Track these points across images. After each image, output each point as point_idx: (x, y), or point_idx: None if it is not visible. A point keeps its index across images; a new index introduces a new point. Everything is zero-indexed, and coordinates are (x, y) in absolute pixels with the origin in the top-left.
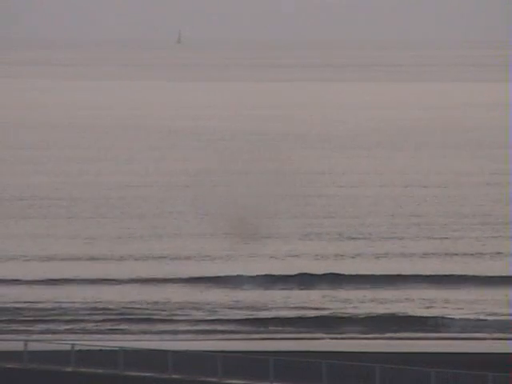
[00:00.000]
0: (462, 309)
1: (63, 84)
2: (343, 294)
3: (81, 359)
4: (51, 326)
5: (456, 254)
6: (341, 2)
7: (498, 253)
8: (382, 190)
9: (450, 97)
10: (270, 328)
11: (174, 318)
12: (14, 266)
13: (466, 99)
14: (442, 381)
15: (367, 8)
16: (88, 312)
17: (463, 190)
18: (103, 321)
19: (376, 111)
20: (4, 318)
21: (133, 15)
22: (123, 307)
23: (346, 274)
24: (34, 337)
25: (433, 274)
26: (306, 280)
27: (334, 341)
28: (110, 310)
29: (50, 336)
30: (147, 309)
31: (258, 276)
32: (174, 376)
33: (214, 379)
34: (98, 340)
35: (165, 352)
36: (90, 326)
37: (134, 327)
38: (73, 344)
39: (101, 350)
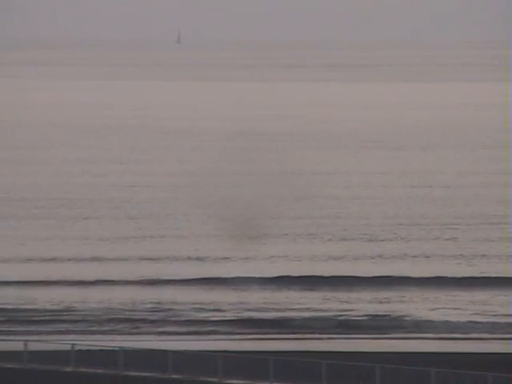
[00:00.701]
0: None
1: (62, 84)
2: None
3: (81, 359)
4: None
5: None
6: (341, 2)
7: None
8: (385, 190)
9: (451, 97)
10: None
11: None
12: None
13: (466, 99)
14: (442, 381)
15: (367, 8)
16: (88, 313)
17: (466, 190)
18: (106, 321)
19: (376, 111)
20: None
21: (132, 15)
22: (124, 308)
23: (348, 275)
24: (34, 337)
25: (437, 275)
26: (307, 281)
27: (334, 341)
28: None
29: (49, 336)
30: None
31: (259, 277)
32: (173, 376)
33: (214, 379)
34: (97, 340)
35: (165, 352)
36: (91, 326)
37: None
38: (73, 344)
39: (101, 350)
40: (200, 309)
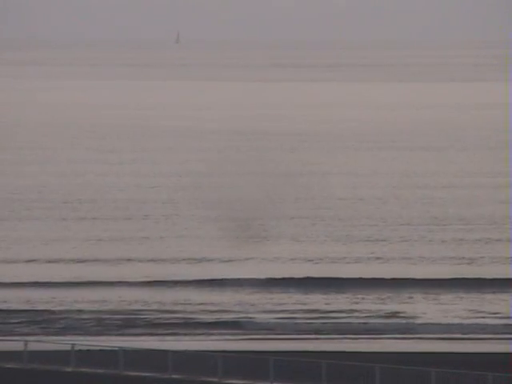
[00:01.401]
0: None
1: (62, 84)
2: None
3: (81, 359)
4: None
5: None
6: (340, 2)
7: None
8: (387, 191)
9: (451, 97)
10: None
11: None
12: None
13: (466, 99)
14: (442, 381)
15: (367, 8)
16: (89, 315)
17: (469, 191)
18: (105, 323)
19: (377, 111)
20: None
21: (132, 15)
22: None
23: (351, 277)
24: (34, 337)
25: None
26: (309, 283)
27: (333, 341)
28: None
29: (50, 336)
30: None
31: (262, 279)
32: (173, 376)
33: (214, 379)
34: (98, 340)
35: (165, 352)
36: (92, 327)
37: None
38: (73, 344)
39: (101, 350)
40: (203, 310)
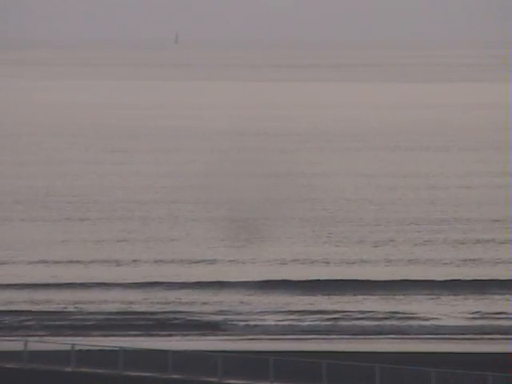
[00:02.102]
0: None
1: (61, 84)
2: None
3: (81, 359)
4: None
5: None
6: (340, 2)
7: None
8: (390, 192)
9: (451, 97)
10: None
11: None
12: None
13: (466, 99)
14: (442, 381)
15: (367, 8)
16: (90, 315)
17: (469, 191)
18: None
19: (377, 112)
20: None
21: (131, 15)
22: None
23: (354, 279)
24: (34, 337)
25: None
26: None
27: (333, 341)
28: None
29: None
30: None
31: (264, 281)
32: (173, 376)
33: (214, 379)
34: (98, 340)
35: (165, 352)
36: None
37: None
38: (73, 344)
39: (101, 350)
40: (205, 312)
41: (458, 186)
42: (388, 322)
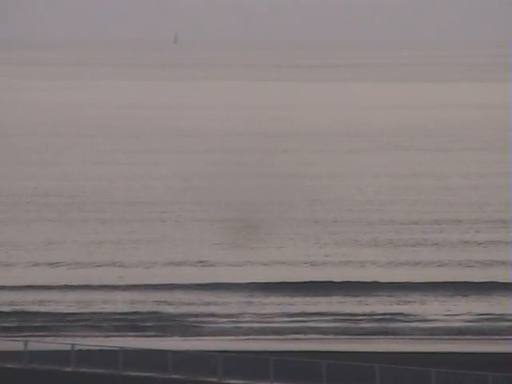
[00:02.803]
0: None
1: (60, 84)
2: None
3: (81, 359)
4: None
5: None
6: (340, 2)
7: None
8: (391, 192)
9: (452, 97)
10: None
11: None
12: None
13: (466, 99)
14: (441, 381)
15: (366, 8)
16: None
17: (471, 191)
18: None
19: (377, 112)
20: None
21: (130, 15)
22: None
23: (361, 281)
24: (34, 337)
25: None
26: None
27: (334, 341)
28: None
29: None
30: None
31: (264, 283)
32: (173, 376)
33: (214, 379)
34: (98, 340)
35: (165, 352)
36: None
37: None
38: (73, 344)
39: (101, 350)
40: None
41: (459, 186)
42: (389, 323)
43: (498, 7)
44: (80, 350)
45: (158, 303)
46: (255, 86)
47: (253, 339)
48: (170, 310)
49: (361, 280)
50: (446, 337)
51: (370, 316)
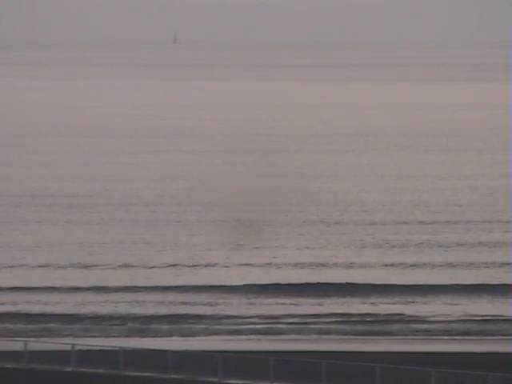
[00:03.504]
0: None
1: (60, 84)
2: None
3: (81, 359)
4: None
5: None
6: (340, 2)
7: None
8: (392, 192)
9: (452, 97)
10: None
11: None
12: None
13: (467, 100)
14: (441, 381)
15: (366, 8)
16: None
17: (474, 194)
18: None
19: (377, 112)
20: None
21: (130, 15)
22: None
23: (360, 283)
24: (34, 337)
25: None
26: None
27: (334, 341)
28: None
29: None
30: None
31: (268, 284)
32: (173, 376)
33: (214, 379)
34: (98, 340)
35: (165, 352)
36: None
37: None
38: (73, 344)
39: (101, 350)
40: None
41: (459, 186)
42: (390, 324)
43: (497, 7)
44: (80, 350)
45: (162, 304)
46: (255, 85)
47: (253, 339)
48: (172, 310)
49: (361, 281)
50: (446, 337)
51: (373, 316)
